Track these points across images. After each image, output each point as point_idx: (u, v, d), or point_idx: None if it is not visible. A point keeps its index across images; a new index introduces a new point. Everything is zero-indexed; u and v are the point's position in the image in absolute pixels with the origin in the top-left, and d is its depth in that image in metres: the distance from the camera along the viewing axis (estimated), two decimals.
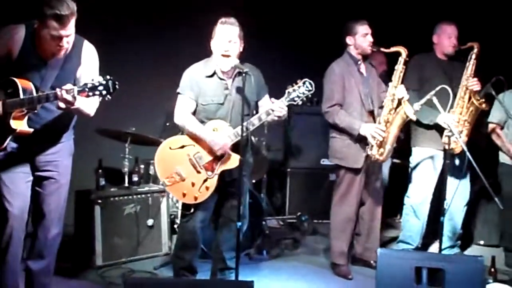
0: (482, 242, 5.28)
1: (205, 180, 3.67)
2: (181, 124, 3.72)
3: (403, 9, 6.06)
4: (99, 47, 3.32)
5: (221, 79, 3.72)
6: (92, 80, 2.87)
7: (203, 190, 3.67)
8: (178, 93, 3.74)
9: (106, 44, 3.43)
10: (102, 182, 4.67)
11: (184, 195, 3.68)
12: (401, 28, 5.59)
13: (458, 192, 4.54)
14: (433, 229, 4.78)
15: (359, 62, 4.39)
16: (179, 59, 4.06)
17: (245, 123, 3.52)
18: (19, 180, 3.21)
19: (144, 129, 4.63)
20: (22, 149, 3.17)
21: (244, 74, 3.51)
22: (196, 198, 3.67)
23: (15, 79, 3.01)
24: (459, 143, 4.23)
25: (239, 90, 3.64)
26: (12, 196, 3.17)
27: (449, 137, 4.15)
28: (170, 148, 3.72)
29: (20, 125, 3.04)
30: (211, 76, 3.71)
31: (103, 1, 5.00)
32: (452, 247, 4.82)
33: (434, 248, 5.01)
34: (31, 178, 3.26)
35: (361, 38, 4.33)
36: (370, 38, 4.33)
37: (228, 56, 3.63)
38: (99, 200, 4.47)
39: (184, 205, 3.86)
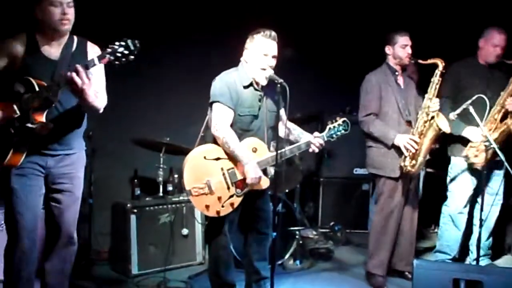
0: None
1: (231, 196, 3.57)
2: (222, 137, 3.52)
3: (440, 19, 5.98)
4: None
5: (256, 90, 3.65)
6: (111, 44, 2.79)
7: (226, 205, 3.56)
8: (214, 101, 3.57)
9: (141, 54, 3.47)
10: (138, 191, 4.76)
11: (207, 207, 3.52)
12: (439, 38, 5.53)
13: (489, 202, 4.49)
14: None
15: (396, 73, 4.38)
16: (213, 69, 4.07)
17: (285, 149, 3.60)
18: (32, 193, 3.17)
19: (179, 139, 4.66)
20: (36, 157, 3.12)
21: (279, 85, 3.43)
22: (218, 213, 3.55)
23: (28, 77, 2.98)
24: (480, 157, 4.22)
25: (275, 102, 3.67)
26: (23, 208, 3.13)
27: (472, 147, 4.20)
28: (204, 157, 3.55)
29: (40, 117, 3.00)
30: (248, 87, 3.62)
31: (140, 11, 5.09)
32: (483, 256, 4.71)
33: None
34: (44, 191, 3.22)
35: (399, 48, 4.31)
36: (408, 50, 4.30)
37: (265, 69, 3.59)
38: (135, 209, 4.52)
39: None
